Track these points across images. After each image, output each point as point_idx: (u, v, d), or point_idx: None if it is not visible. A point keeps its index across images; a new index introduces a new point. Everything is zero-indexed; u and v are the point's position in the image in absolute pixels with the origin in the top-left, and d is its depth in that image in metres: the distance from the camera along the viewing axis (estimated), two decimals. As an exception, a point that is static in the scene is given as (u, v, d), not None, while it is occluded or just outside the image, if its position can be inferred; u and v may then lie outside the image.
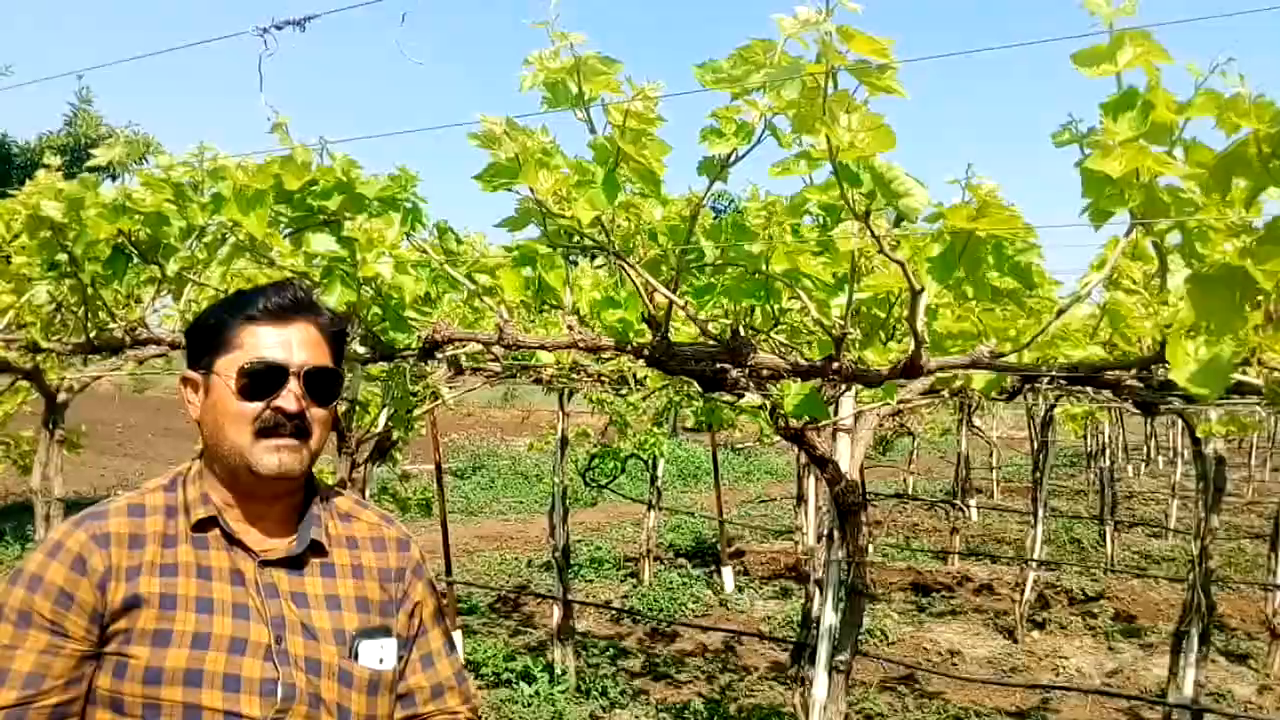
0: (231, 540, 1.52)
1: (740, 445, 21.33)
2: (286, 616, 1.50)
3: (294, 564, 1.55)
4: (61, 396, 5.18)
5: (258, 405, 1.50)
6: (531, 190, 2.10)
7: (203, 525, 1.52)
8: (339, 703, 1.49)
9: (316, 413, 1.55)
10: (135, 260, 2.95)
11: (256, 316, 1.54)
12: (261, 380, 1.51)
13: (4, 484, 13.20)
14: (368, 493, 5.14)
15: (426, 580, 1.69)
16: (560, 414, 7.16)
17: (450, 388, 4.59)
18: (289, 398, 1.51)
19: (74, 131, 14.93)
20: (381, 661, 1.55)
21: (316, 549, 1.58)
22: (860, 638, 7.59)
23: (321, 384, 1.55)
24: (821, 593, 3.37)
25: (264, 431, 1.50)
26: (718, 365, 2.28)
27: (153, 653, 1.41)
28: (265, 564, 1.53)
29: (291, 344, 1.54)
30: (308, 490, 1.63)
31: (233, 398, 1.50)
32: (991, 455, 16.10)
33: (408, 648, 1.63)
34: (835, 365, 2.16)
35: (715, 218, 2.50)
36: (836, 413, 3.24)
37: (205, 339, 1.57)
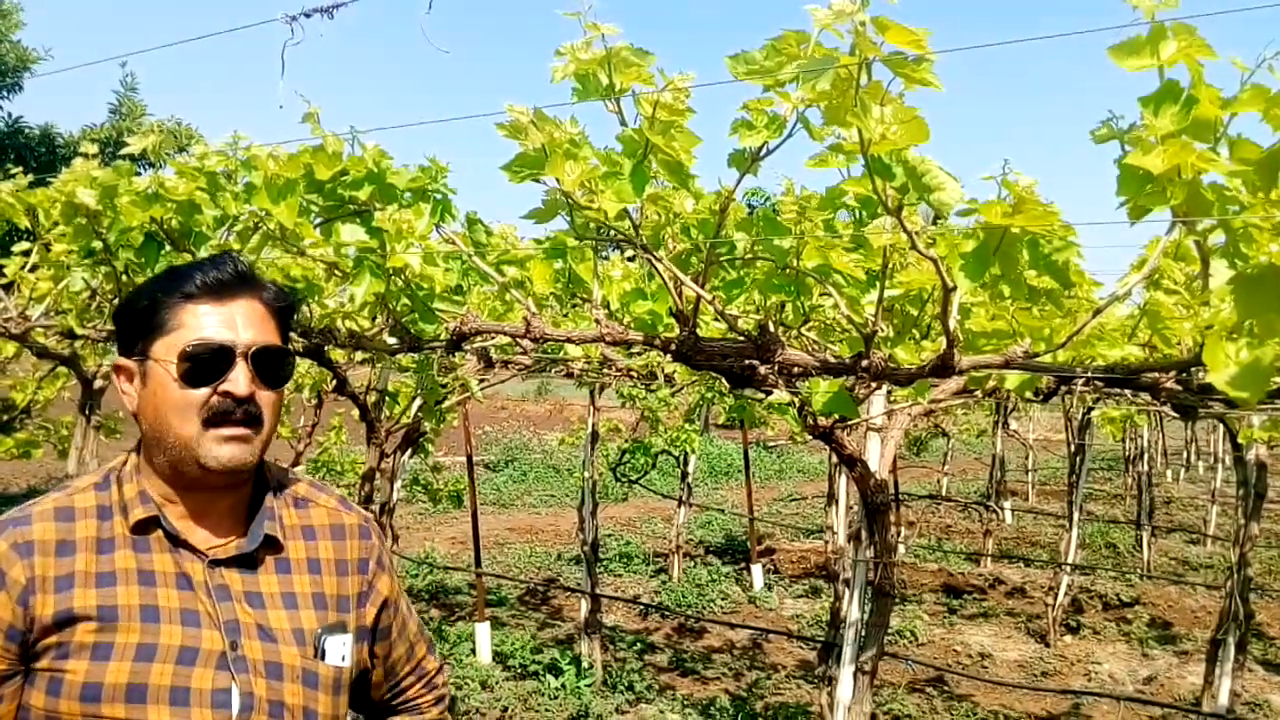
0: (176, 541, 1.40)
1: (772, 443, 21.26)
2: (241, 619, 1.39)
3: (246, 562, 1.43)
4: (98, 383, 5.24)
5: (204, 391, 1.37)
6: (558, 181, 2.08)
7: (143, 526, 1.39)
8: (305, 706, 1.40)
9: (265, 396, 1.41)
10: (167, 248, 2.97)
11: (194, 294, 1.40)
12: (205, 364, 1.37)
13: (45, 468, 13.42)
14: (398, 483, 5.16)
15: (389, 567, 1.61)
16: (591, 408, 7.15)
17: (480, 380, 4.59)
18: (238, 381, 1.38)
19: (117, 124, 15.10)
20: (343, 659, 1.47)
21: (270, 543, 1.46)
22: (890, 639, 7.51)
23: (270, 364, 1.42)
24: (849, 592, 3.33)
25: (212, 420, 1.37)
26: (745, 361, 2.26)
27: (91, 667, 1.30)
28: (215, 564, 1.41)
29: (236, 322, 1.40)
30: (258, 478, 1.51)
31: (175, 385, 1.37)
32: (1027, 457, 15.93)
33: (384, 637, 1.59)
34: (865, 363, 2.13)
35: (750, 213, 2.48)
36: (868, 411, 3.20)
37: (138, 321, 1.43)
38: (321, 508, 1.56)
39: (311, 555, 1.50)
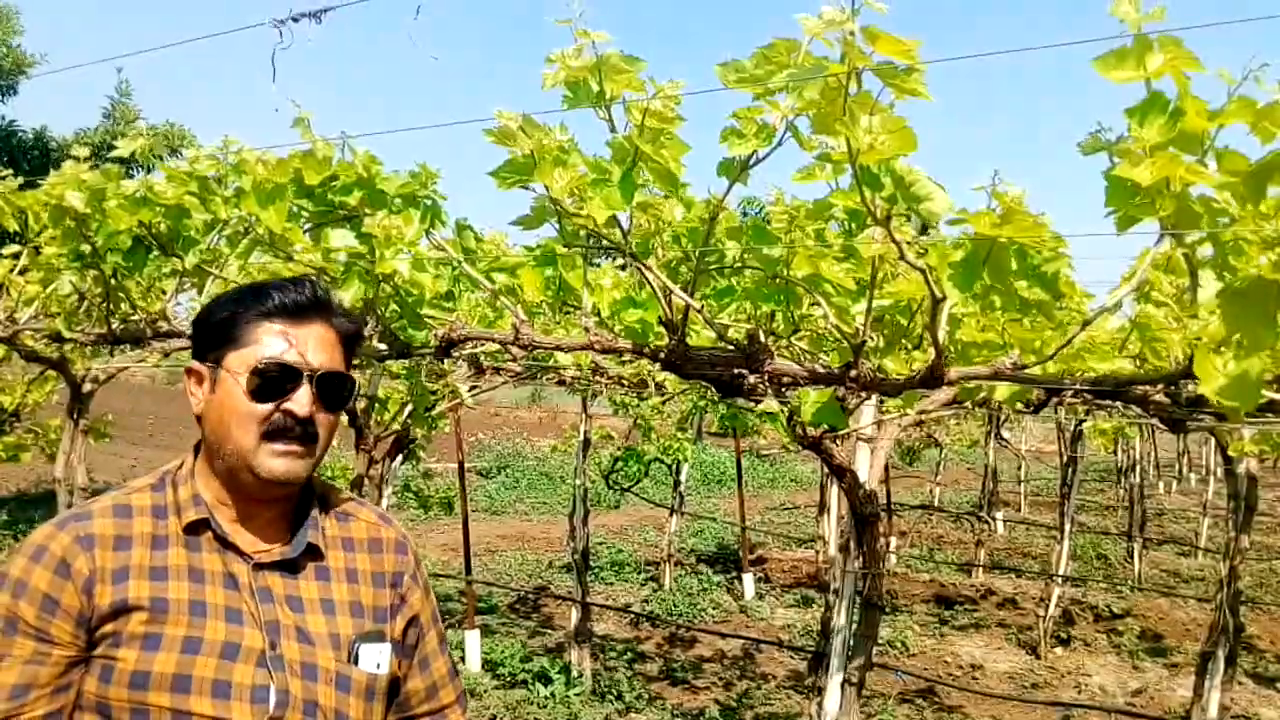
0: (224, 543, 1.48)
1: (765, 452, 21.25)
2: (281, 621, 1.46)
3: (289, 567, 1.51)
4: (87, 386, 5.21)
5: (267, 407, 1.45)
6: (546, 188, 2.07)
7: (194, 527, 1.47)
8: (337, 709, 1.46)
9: (324, 417, 1.50)
10: (155, 252, 2.95)
11: (272, 313, 1.49)
12: (273, 381, 1.46)
13: (34, 472, 13.36)
14: (388, 490, 5.15)
15: (423, 585, 1.66)
16: (583, 416, 7.14)
17: (471, 387, 4.58)
18: (300, 402, 1.46)
19: (112, 127, 15.07)
20: (379, 666, 1.52)
21: (312, 552, 1.54)
22: (881, 649, 7.48)
23: (333, 389, 1.51)
24: (838, 603, 3.32)
25: (271, 434, 1.46)
26: (734, 371, 2.25)
27: (141, 656, 1.38)
28: (259, 567, 1.49)
29: (307, 345, 1.49)
30: (304, 490, 1.58)
31: (243, 397, 1.45)
32: (1020, 468, 15.95)
33: (407, 654, 1.61)
34: (853, 373, 2.12)
35: (743, 221, 2.47)
36: (857, 422, 3.19)
37: (216, 332, 1.51)
38: (362, 521, 1.64)
39: (350, 565, 1.57)
